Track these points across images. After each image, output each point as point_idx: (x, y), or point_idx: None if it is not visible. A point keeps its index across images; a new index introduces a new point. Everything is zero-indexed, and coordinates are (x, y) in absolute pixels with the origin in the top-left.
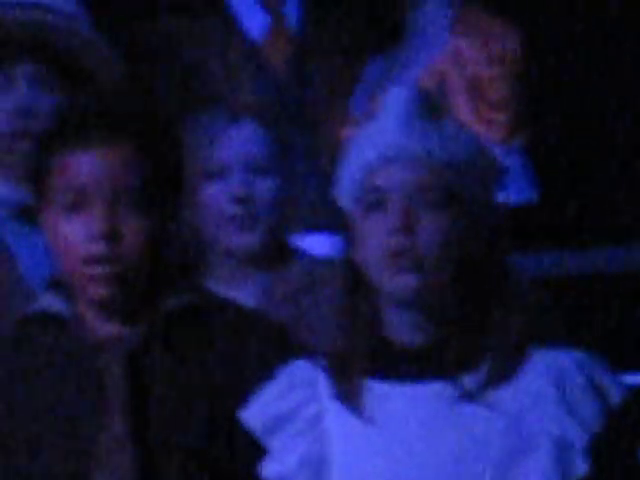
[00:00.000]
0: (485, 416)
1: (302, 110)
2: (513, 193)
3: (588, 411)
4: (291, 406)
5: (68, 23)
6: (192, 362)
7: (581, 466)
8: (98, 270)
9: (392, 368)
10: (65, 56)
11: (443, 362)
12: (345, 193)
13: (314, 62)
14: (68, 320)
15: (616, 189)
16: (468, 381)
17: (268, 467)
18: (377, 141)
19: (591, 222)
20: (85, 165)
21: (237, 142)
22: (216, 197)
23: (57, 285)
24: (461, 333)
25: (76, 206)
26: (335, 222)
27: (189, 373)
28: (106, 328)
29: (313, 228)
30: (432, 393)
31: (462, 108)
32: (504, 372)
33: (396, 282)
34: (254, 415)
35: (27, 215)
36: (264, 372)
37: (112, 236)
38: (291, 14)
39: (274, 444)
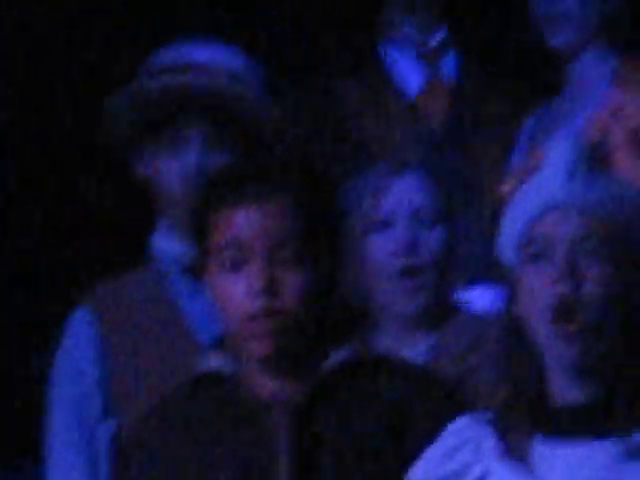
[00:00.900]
0: None
1: (460, 165)
2: None
3: None
4: (457, 467)
5: (243, 89)
6: (360, 419)
7: None
8: (259, 326)
9: (555, 427)
10: (235, 118)
11: (609, 420)
12: (508, 245)
13: (472, 115)
14: (234, 379)
15: None
16: (635, 438)
17: None
18: (541, 192)
19: None
20: (242, 221)
21: (402, 192)
22: (381, 250)
23: (221, 345)
24: (626, 389)
25: (236, 263)
26: (495, 276)
27: (355, 430)
28: (271, 386)
29: (477, 282)
30: (598, 452)
31: (624, 162)
32: None
33: (562, 347)
34: (423, 475)
35: (196, 272)
36: (433, 430)
37: (271, 291)
38: (448, 69)
39: None
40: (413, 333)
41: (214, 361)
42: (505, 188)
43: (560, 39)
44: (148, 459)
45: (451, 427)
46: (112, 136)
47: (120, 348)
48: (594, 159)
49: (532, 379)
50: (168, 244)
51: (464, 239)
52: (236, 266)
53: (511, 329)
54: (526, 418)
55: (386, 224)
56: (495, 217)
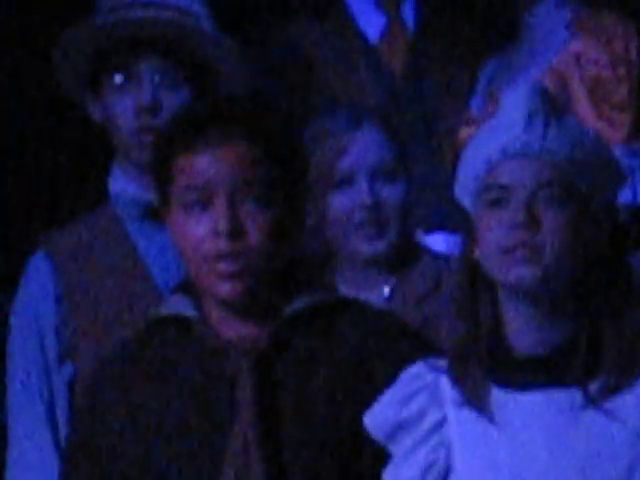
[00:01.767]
0: (608, 425)
1: (419, 110)
2: (635, 193)
3: None
4: (414, 412)
5: (193, 21)
6: (322, 362)
7: None
8: (223, 267)
9: (512, 375)
10: (189, 54)
11: (567, 369)
12: (466, 190)
13: (431, 63)
14: (196, 322)
15: None
16: (591, 387)
17: (391, 473)
18: (498, 138)
19: None
20: (205, 164)
21: (362, 149)
22: (343, 205)
23: (185, 289)
24: (584, 338)
25: (198, 205)
26: (453, 222)
27: (318, 373)
28: (233, 329)
29: (431, 228)
30: (555, 401)
31: (583, 109)
32: (627, 377)
33: (515, 273)
34: (378, 420)
35: (155, 214)
36: (394, 373)
37: (235, 232)
38: (407, 15)
39: (398, 450)
40: (374, 277)
41: (176, 304)
42: (464, 133)
43: None
44: (108, 402)
45: (406, 373)
46: (66, 78)
47: (77, 292)
48: (552, 105)
49: (488, 324)
50: (124, 186)
51: (424, 185)
52: (200, 207)
53: (468, 273)
54: (482, 365)
55: (347, 181)
56: (454, 163)
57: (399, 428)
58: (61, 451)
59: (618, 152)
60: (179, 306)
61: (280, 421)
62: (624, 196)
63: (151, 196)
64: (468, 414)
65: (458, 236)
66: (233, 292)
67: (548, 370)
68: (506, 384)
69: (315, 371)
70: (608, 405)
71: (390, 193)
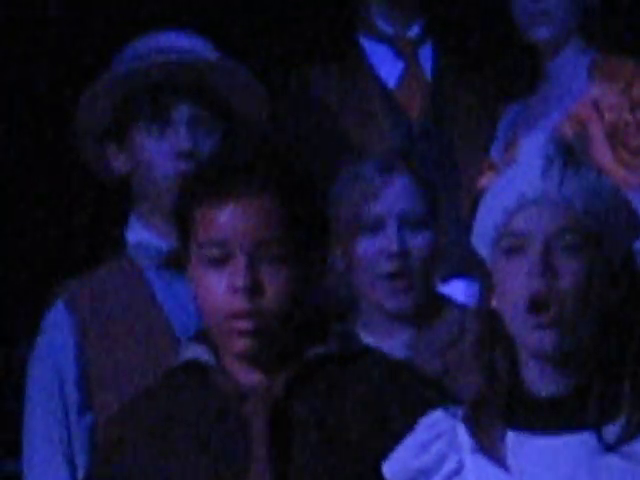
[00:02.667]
0: (625, 469)
1: (437, 157)
2: None
3: None
4: (433, 459)
5: (214, 60)
6: (338, 410)
7: None
8: (239, 325)
9: (529, 419)
10: (221, 98)
11: (583, 413)
12: (483, 238)
13: (449, 108)
14: (212, 369)
15: None
16: (608, 432)
17: None
18: (516, 186)
19: None
20: (226, 219)
21: (393, 195)
22: (370, 252)
23: (201, 336)
24: (600, 383)
25: (219, 260)
26: (471, 269)
27: (334, 421)
28: (249, 377)
29: (453, 275)
30: (572, 445)
31: (602, 154)
32: None
33: (535, 339)
34: (397, 467)
35: (173, 263)
36: (411, 423)
37: (253, 291)
38: (425, 61)
39: None
40: (396, 326)
41: (194, 351)
42: (483, 181)
43: (540, 35)
44: (126, 449)
45: (425, 420)
46: (87, 129)
47: (97, 342)
48: (570, 153)
49: (506, 372)
50: (142, 235)
51: (444, 233)
52: (219, 263)
53: (487, 322)
54: (500, 412)
55: (376, 227)
56: (474, 209)
57: (418, 475)
58: None
59: (636, 198)
60: (196, 353)
61: (295, 468)
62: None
63: (169, 244)
64: (485, 460)
65: (476, 283)
66: (248, 349)
67: (565, 414)
68: (522, 427)
69: (331, 419)
70: (626, 449)
71: (418, 242)
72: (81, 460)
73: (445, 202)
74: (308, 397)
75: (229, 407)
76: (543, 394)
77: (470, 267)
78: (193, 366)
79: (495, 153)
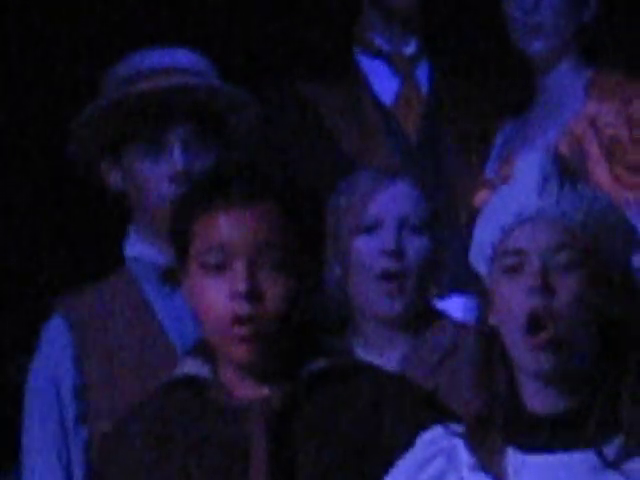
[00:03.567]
0: None
1: (434, 173)
2: None
3: None
4: (432, 477)
5: (211, 82)
6: (336, 425)
7: None
8: (239, 330)
9: (529, 436)
10: (216, 117)
11: (583, 431)
12: (481, 256)
13: (445, 125)
14: (210, 384)
15: None
16: (608, 449)
17: None
18: (513, 204)
19: None
20: (225, 226)
21: (392, 197)
22: (367, 251)
23: (199, 350)
24: (600, 400)
25: (217, 267)
26: (468, 285)
27: (333, 435)
28: (248, 390)
29: (451, 291)
30: (572, 462)
31: (599, 170)
32: None
33: (533, 360)
34: None
35: (171, 278)
36: (409, 437)
37: (253, 296)
38: (421, 78)
39: None
40: (391, 337)
41: (191, 365)
42: (480, 197)
43: (535, 49)
44: (123, 464)
45: (423, 437)
46: (83, 150)
47: (95, 355)
48: (566, 170)
49: (506, 389)
50: (140, 250)
51: (441, 248)
52: (219, 270)
53: (485, 339)
54: (499, 430)
55: (374, 226)
56: (470, 226)
57: None
58: None
59: (633, 214)
60: (193, 367)
61: (295, 476)
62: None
63: (167, 260)
64: (485, 478)
65: (474, 299)
66: (248, 355)
67: (565, 432)
68: (522, 445)
69: (329, 433)
70: (625, 466)
71: (415, 246)
72: (78, 472)
73: (441, 218)
74: (306, 412)
75: (227, 422)
76: (542, 412)
77: (468, 283)
78: (190, 381)
79: (491, 170)
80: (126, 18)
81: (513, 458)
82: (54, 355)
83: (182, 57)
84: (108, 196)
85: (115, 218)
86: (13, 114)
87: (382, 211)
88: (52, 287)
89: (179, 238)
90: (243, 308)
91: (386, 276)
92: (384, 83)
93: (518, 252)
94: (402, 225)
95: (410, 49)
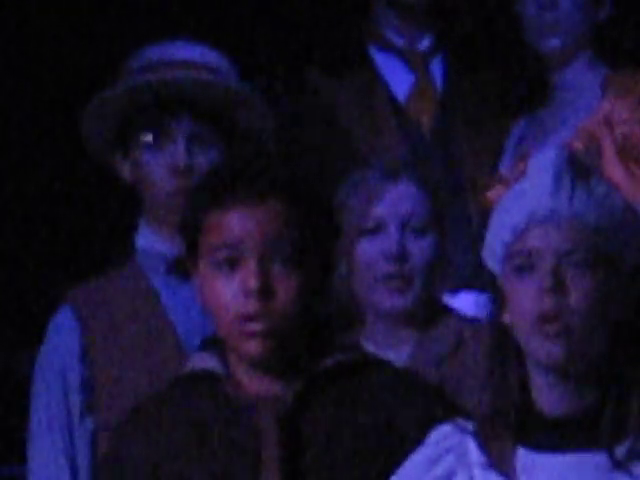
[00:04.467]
0: None
1: (447, 169)
2: None
3: None
4: (442, 474)
5: (222, 79)
6: (348, 420)
7: None
8: (251, 327)
9: (540, 436)
10: (220, 113)
11: (594, 432)
12: (494, 255)
13: (459, 121)
14: (222, 378)
15: None
16: (618, 450)
17: None
18: (525, 204)
19: None
20: (236, 222)
21: (394, 199)
22: (370, 254)
23: (211, 345)
24: (612, 402)
25: (228, 263)
26: (483, 282)
27: (344, 431)
28: (259, 386)
29: (462, 287)
30: (582, 463)
31: (613, 168)
32: None
33: (544, 349)
34: None
35: (180, 270)
36: (420, 434)
37: (265, 292)
38: (435, 73)
39: None
40: (398, 334)
41: (204, 360)
42: (493, 194)
43: (551, 46)
44: (134, 458)
45: (434, 434)
46: (93, 139)
47: (101, 346)
48: (580, 169)
49: (516, 389)
50: (150, 242)
51: (451, 245)
52: (230, 266)
53: (498, 337)
54: (509, 428)
55: (377, 229)
56: (482, 223)
57: None
58: None
59: None
60: (205, 362)
61: (306, 477)
62: None
63: (177, 251)
64: (495, 476)
65: (485, 296)
66: (260, 352)
67: (575, 432)
68: (533, 445)
69: (341, 428)
70: (635, 468)
71: (418, 247)
72: (82, 463)
73: (454, 214)
74: (318, 407)
75: (239, 416)
76: (554, 412)
77: (479, 280)
78: (202, 375)
79: (504, 166)
80: (147, 10)
81: (523, 457)
82: (61, 345)
83: (197, 52)
84: (119, 187)
85: (126, 210)
86: (24, 103)
87: (384, 214)
88: (61, 279)
89: (189, 233)
90: (254, 305)
91: (391, 278)
92: (398, 78)
93: (530, 252)
94: (405, 227)
95: (424, 44)
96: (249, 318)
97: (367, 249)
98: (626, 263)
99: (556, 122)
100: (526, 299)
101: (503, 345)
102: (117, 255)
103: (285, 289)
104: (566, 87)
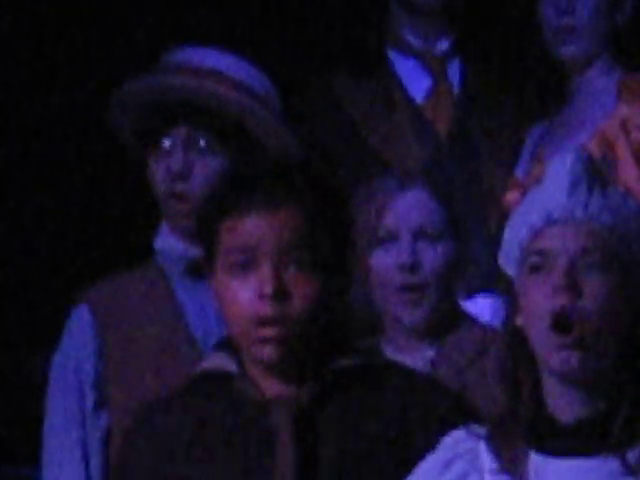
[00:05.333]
0: None
1: (464, 172)
2: None
3: None
4: (453, 479)
5: (236, 92)
6: (362, 423)
7: None
8: (265, 331)
9: (552, 441)
10: (225, 122)
11: (606, 437)
12: (510, 257)
13: (476, 124)
14: (237, 378)
15: None
16: (630, 455)
17: None
18: (542, 205)
19: None
20: (253, 226)
21: (408, 207)
22: (384, 264)
23: (226, 345)
24: (623, 407)
25: (243, 267)
26: (500, 287)
27: (359, 432)
28: (274, 387)
29: (479, 291)
30: (595, 468)
31: (629, 175)
32: None
33: (560, 358)
34: None
35: (198, 271)
36: (435, 439)
37: (279, 296)
38: (453, 76)
39: None
40: (417, 342)
41: (219, 360)
42: (510, 197)
43: (570, 51)
44: (149, 456)
45: (447, 439)
46: (121, 130)
47: (117, 344)
48: (596, 173)
49: (530, 393)
50: (169, 242)
51: (469, 249)
52: (245, 270)
53: (512, 341)
54: (522, 433)
55: (390, 239)
56: (500, 226)
57: None
58: None
59: None
60: (220, 362)
61: (320, 478)
62: None
63: (195, 252)
64: None
65: (502, 300)
66: (274, 357)
67: (587, 438)
68: (545, 450)
69: (355, 430)
70: None
71: (431, 255)
72: (95, 461)
73: (471, 218)
74: (333, 408)
75: (254, 416)
76: (566, 418)
77: (496, 284)
78: (217, 375)
79: (521, 170)
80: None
81: (535, 462)
82: (77, 342)
83: (217, 59)
84: (137, 189)
85: (144, 211)
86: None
87: (396, 224)
88: (79, 281)
89: (206, 237)
90: (268, 309)
91: (405, 289)
92: (416, 81)
93: (545, 253)
94: (417, 236)
95: (442, 47)
96: (263, 323)
97: (381, 259)
98: None
99: (573, 126)
100: (540, 299)
101: (516, 348)
102: (135, 257)
103: (300, 294)
104: (583, 91)
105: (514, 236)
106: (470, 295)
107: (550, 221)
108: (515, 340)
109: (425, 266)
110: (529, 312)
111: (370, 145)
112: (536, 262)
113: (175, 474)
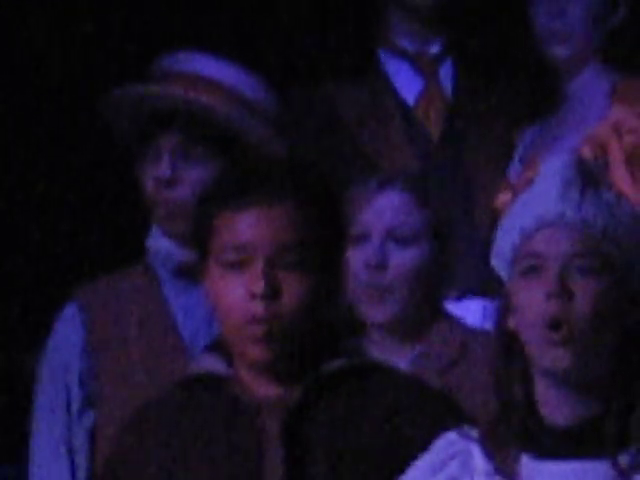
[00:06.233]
0: None
1: (455, 174)
2: None
3: None
4: None
5: (223, 101)
6: (352, 424)
7: None
8: (256, 330)
9: (544, 445)
10: (216, 130)
11: (599, 440)
12: (502, 260)
13: (468, 126)
14: (227, 380)
15: None
16: (623, 459)
17: None
18: (534, 207)
19: None
20: (246, 224)
21: (380, 209)
22: (354, 262)
23: (216, 347)
24: (615, 410)
25: (236, 265)
26: (489, 287)
27: (349, 435)
28: (264, 389)
29: (469, 294)
30: (587, 471)
31: (621, 177)
32: None
33: (551, 356)
34: None
35: (188, 272)
36: (424, 439)
37: (271, 295)
38: (445, 78)
39: None
40: (398, 343)
41: (209, 362)
42: (502, 199)
43: (561, 54)
44: (138, 458)
45: (439, 441)
46: (117, 130)
47: (105, 342)
48: (589, 175)
49: (521, 395)
50: (160, 243)
51: (456, 251)
52: (237, 268)
53: (504, 343)
54: (514, 436)
55: (362, 237)
56: (491, 229)
57: None
58: None
59: None
60: (210, 364)
61: (309, 475)
62: None
63: (186, 254)
64: None
65: (493, 302)
66: (264, 355)
67: (580, 441)
68: (537, 453)
69: (345, 432)
70: (639, 477)
71: (402, 258)
72: (80, 459)
73: (462, 220)
74: (322, 410)
75: (243, 418)
76: (558, 421)
77: (485, 286)
78: (208, 377)
79: (513, 173)
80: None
81: (528, 465)
82: (65, 339)
83: (208, 66)
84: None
85: (139, 210)
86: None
87: (370, 223)
88: (69, 282)
89: (200, 235)
90: (260, 308)
91: (370, 287)
92: (407, 83)
93: (537, 256)
94: (389, 238)
95: (434, 49)
96: (254, 321)
97: (352, 258)
98: (633, 270)
99: (565, 129)
100: (532, 302)
101: (508, 350)
102: (127, 257)
103: (292, 293)
104: (576, 94)
105: (506, 238)
106: (461, 297)
107: (542, 223)
108: (507, 342)
109: (392, 267)
110: (521, 316)
111: (362, 146)
112: (528, 265)
113: (164, 475)
